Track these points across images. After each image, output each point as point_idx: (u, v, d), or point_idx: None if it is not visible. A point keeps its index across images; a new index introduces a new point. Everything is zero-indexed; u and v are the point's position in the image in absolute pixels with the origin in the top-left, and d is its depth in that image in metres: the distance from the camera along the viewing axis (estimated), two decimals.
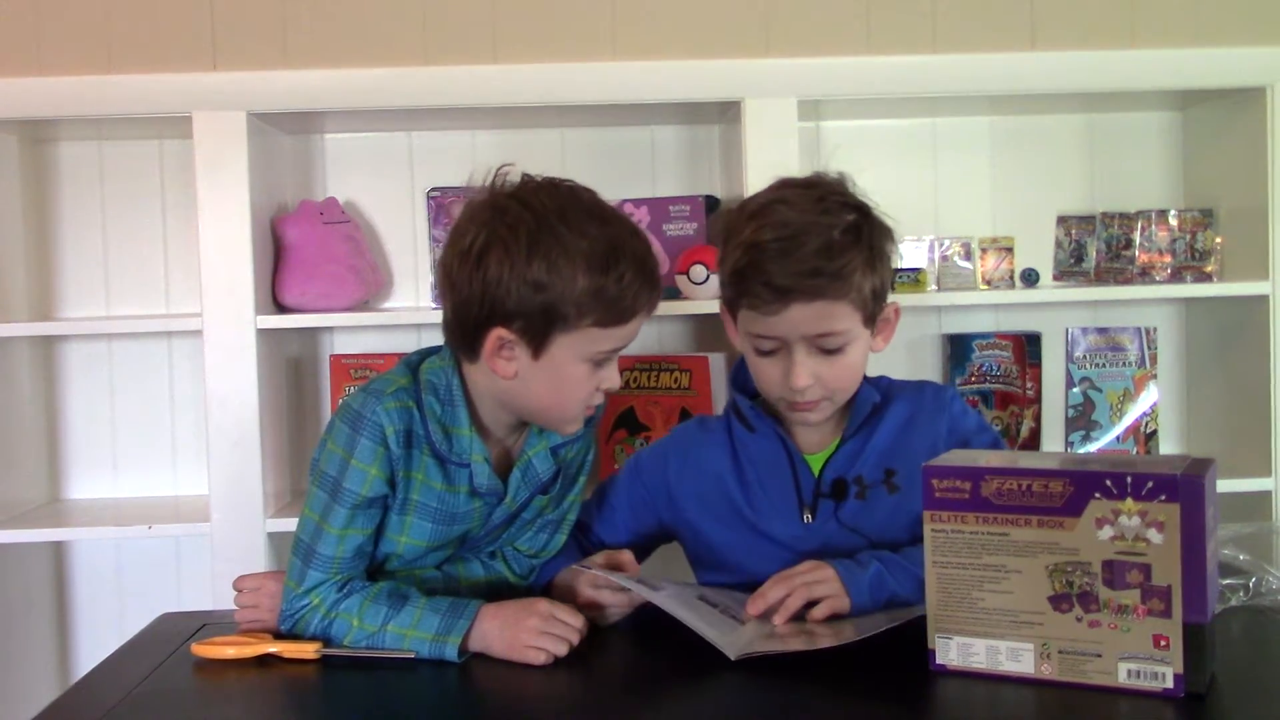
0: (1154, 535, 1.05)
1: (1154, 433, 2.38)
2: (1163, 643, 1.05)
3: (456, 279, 1.30)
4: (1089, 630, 1.08)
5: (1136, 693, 1.07)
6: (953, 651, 1.14)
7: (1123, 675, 1.07)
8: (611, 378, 1.36)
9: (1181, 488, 1.04)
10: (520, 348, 1.30)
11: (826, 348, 1.38)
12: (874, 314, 1.42)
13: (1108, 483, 1.06)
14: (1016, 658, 1.11)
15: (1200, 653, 1.05)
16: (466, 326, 1.31)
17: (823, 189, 1.41)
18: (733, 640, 1.21)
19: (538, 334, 1.29)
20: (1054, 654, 1.10)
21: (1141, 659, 1.06)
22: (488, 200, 1.32)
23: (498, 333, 1.29)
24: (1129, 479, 1.06)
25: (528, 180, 1.33)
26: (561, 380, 1.32)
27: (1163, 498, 1.04)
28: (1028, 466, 1.12)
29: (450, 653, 1.24)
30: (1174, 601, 1.05)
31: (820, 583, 1.30)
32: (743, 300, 1.40)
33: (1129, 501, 1.06)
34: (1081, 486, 1.08)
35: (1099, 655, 1.08)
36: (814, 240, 1.34)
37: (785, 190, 1.42)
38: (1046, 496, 1.09)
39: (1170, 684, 1.05)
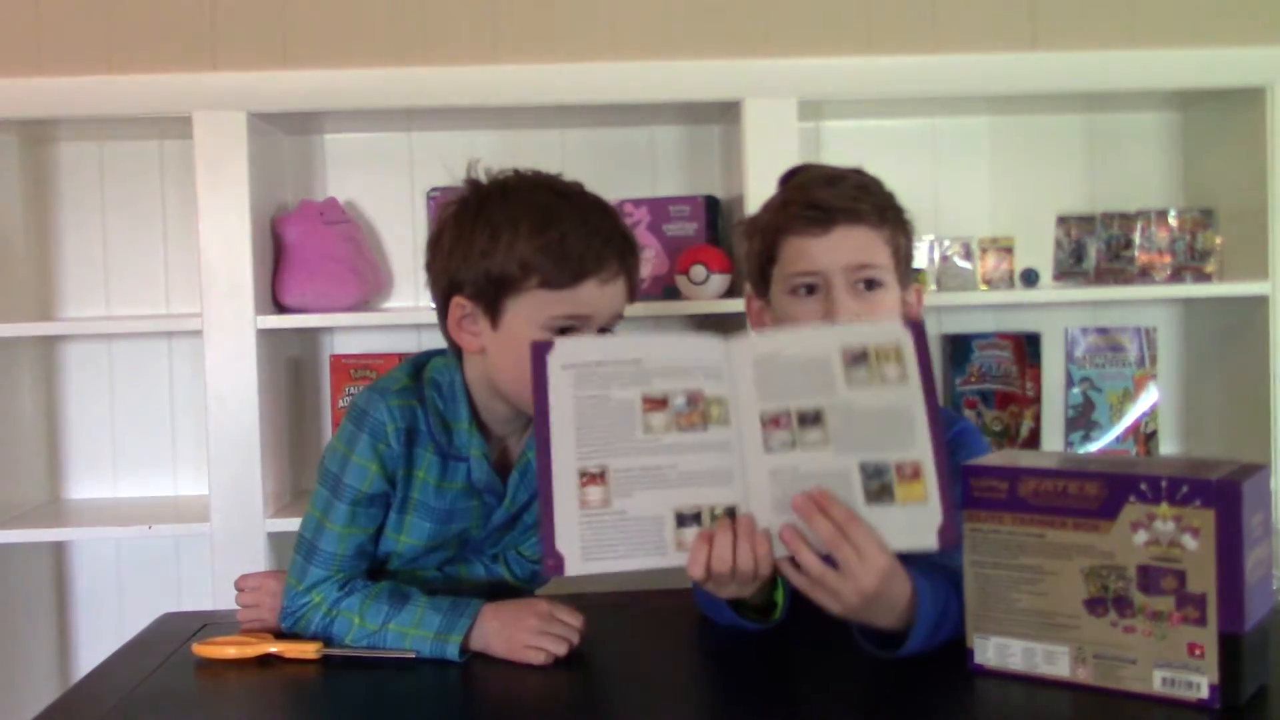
0: (1189, 541, 1.02)
1: (1154, 433, 2.38)
2: (1198, 652, 1.02)
3: (429, 267, 1.37)
4: (1124, 636, 1.06)
5: (1172, 701, 1.03)
6: (990, 651, 1.13)
7: (1157, 683, 1.04)
8: None
9: (1217, 493, 1.00)
10: (480, 318, 1.32)
11: (866, 279, 1.40)
12: (903, 274, 1.44)
13: (1143, 486, 1.03)
14: (1053, 660, 1.10)
15: (1237, 664, 1.02)
16: (438, 307, 1.36)
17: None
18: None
19: (490, 299, 1.30)
20: (1089, 658, 1.08)
21: (1176, 667, 1.03)
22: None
23: (456, 301, 1.33)
24: (1164, 482, 1.03)
25: (503, 171, 1.37)
26: (522, 350, 1.25)
27: (1198, 503, 1.01)
28: (1065, 467, 1.10)
29: (452, 651, 1.24)
30: (1209, 610, 1.01)
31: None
32: (788, 229, 1.42)
33: (1164, 505, 1.03)
34: (1117, 489, 1.05)
35: (1134, 661, 1.05)
36: (855, 178, 1.44)
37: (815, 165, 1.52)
38: (1082, 498, 1.07)
39: (1205, 694, 1.02)
